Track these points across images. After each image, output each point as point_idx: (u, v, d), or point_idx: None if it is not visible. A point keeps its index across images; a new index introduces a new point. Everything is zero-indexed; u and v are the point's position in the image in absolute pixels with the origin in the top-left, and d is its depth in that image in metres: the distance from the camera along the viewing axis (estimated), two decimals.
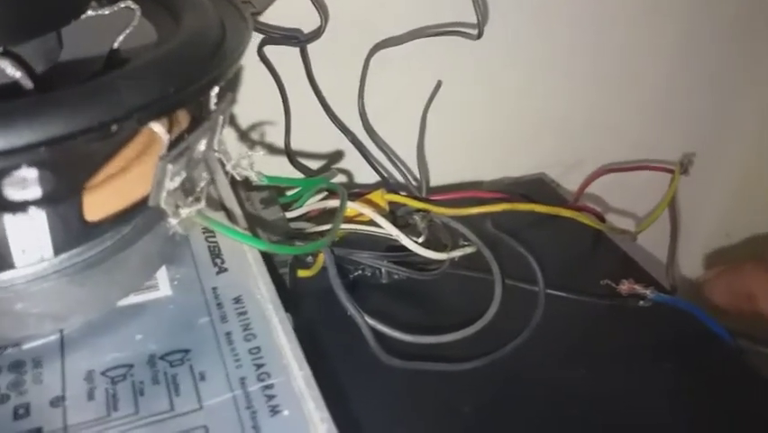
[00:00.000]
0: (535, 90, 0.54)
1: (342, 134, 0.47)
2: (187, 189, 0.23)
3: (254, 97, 0.44)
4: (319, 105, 0.46)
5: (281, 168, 0.47)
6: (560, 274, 0.40)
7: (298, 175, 0.47)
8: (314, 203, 0.37)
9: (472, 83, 0.50)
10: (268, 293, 0.25)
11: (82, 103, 0.17)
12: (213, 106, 0.24)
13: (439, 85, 0.48)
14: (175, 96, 0.20)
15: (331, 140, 0.47)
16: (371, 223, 0.34)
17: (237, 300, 0.25)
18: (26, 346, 0.23)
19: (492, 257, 0.36)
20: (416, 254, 0.36)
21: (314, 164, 0.48)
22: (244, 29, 0.24)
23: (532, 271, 0.38)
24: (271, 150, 0.47)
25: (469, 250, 0.36)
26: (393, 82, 0.48)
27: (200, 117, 0.23)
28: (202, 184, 0.23)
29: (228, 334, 0.24)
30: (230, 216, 0.30)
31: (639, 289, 0.40)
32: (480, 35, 0.39)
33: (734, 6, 0.57)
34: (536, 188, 0.54)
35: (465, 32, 0.41)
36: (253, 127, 0.46)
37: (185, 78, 0.20)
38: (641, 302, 0.39)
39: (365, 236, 0.37)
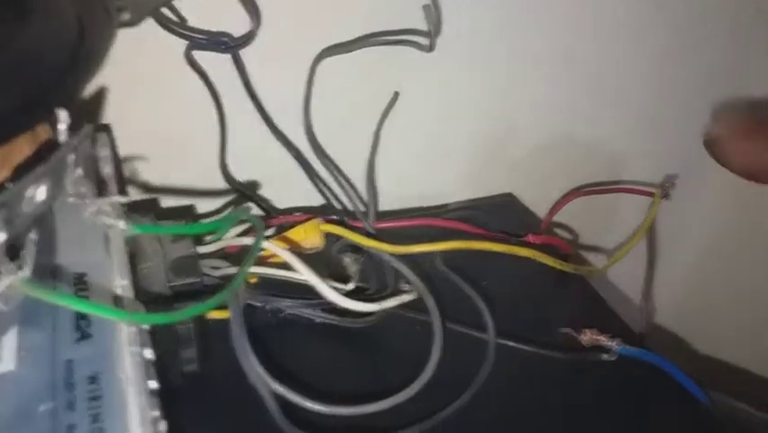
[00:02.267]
0: (503, 103, 0.49)
1: (285, 150, 0.42)
2: (14, 250, 0.18)
3: (185, 108, 0.40)
4: (259, 117, 0.41)
5: (216, 184, 0.42)
6: (516, 320, 0.36)
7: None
8: (233, 237, 0.32)
9: (433, 95, 0.46)
10: (132, 372, 0.21)
11: None
12: (62, 139, 0.19)
13: (396, 97, 0.44)
14: None
15: (272, 156, 0.42)
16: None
17: (93, 380, 0.21)
18: None
19: (435, 308, 0.32)
20: None
21: (252, 182, 0.43)
22: (107, 29, 0.19)
23: (483, 317, 0.34)
24: (205, 165, 0.42)
25: (407, 298, 0.31)
26: (344, 93, 0.43)
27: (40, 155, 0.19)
28: (32, 246, 0.18)
29: (71, 427, 0.19)
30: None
31: (603, 340, 0.35)
32: (431, 48, 0.35)
33: (724, 22, 0.52)
34: (504, 210, 0.50)
35: (417, 43, 0.36)
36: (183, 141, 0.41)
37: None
38: (604, 356, 0.35)
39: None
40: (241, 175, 0.42)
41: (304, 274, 0.28)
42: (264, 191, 0.43)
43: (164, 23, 0.36)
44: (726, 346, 0.54)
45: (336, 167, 0.42)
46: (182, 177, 0.42)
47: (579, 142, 0.53)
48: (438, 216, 0.43)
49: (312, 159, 0.42)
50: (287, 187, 0.43)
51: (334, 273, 0.32)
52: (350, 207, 0.41)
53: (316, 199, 0.43)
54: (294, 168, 0.42)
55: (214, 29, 0.37)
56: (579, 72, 0.50)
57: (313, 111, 0.42)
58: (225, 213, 0.30)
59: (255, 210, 0.42)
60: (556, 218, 0.51)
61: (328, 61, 0.41)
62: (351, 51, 0.40)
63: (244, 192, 0.42)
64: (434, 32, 0.34)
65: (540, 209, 0.51)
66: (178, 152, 0.40)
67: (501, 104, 0.49)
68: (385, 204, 0.47)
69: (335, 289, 0.29)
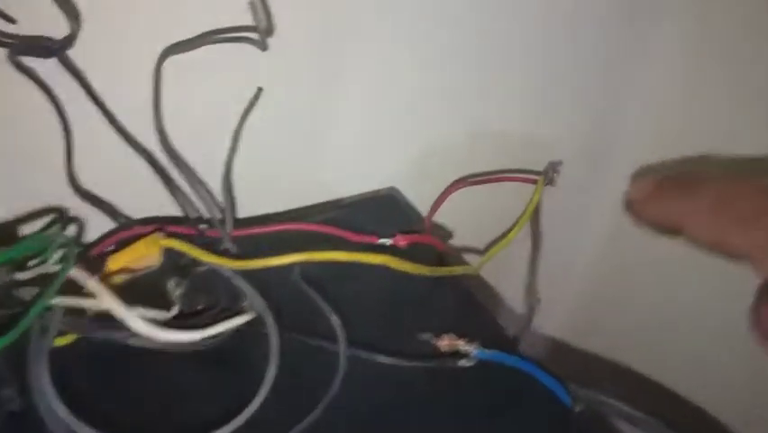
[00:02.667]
0: (383, 95, 0.47)
1: (138, 156, 0.39)
2: None
3: (23, 117, 0.37)
4: (107, 123, 0.38)
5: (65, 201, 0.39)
6: (376, 330, 0.35)
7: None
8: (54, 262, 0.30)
9: (299, 90, 0.43)
10: None
11: None
12: None
13: (259, 93, 0.41)
14: None
15: (124, 163, 0.39)
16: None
17: None
18: None
19: (274, 325, 0.30)
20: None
21: (105, 191, 0.40)
22: None
23: (334, 329, 0.33)
24: (51, 177, 0.39)
25: (239, 320, 0.29)
26: (200, 93, 0.40)
27: None
28: None
29: None
30: None
31: (461, 345, 0.34)
32: (265, 46, 0.32)
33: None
34: (384, 207, 0.48)
35: (253, 40, 0.34)
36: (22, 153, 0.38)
37: None
38: (461, 361, 0.34)
39: None
40: (92, 185, 0.39)
41: (108, 305, 0.26)
42: (118, 201, 0.40)
43: None
44: (618, 346, 0.54)
45: (193, 173, 0.40)
46: (28, 191, 0.39)
47: (463, 133, 0.52)
48: (305, 219, 0.41)
49: (168, 165, 0.40)
50: (142, 196, 0.40)
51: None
52: (207, 214, 0.39)
53: (174, 208, 0.40)
54: (148, 175, 0.40)
55: (35, 33, 0.34)
56: (461, 59, 0.49)
57: (167, 114, 0.39)
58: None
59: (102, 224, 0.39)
60: (442, 213, 0.50)
61: (176, 61, 0.38)
62: (195, 49, 0.37)
63: (96, 203, 0.39)
64: (264, 29, 0.32)
65: (426, 201, 0.49)
66: (16, 165, 0.37)
67: (382, 96, 0.47)
68: (263, 205, 0.45)
69: (153, 318, 0.27)
